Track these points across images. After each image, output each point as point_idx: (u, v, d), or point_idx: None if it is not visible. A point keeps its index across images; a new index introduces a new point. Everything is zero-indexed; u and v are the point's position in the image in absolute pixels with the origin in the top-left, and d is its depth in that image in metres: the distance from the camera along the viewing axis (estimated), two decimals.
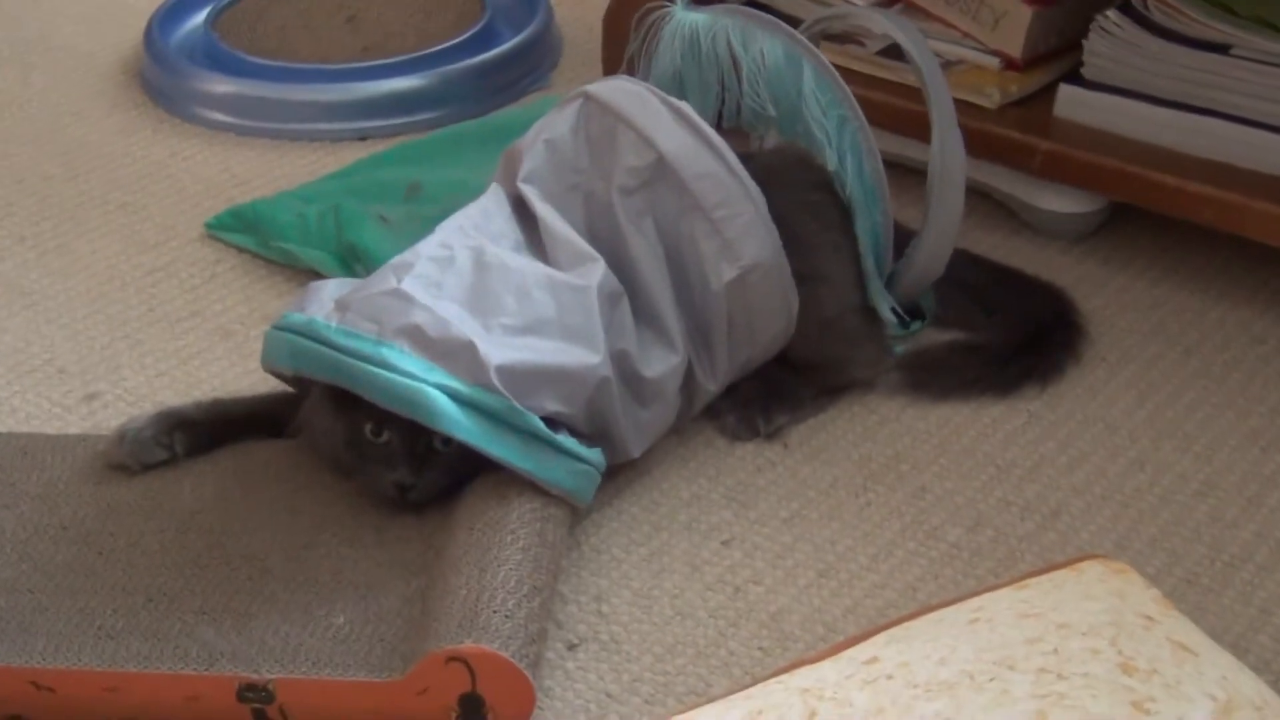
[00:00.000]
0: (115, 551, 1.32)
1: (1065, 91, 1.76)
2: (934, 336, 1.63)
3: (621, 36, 1.88)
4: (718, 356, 1.46)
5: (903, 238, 1.57)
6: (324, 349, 1.30)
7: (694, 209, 1.43)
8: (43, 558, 1.31)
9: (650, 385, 1.41)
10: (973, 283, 1.65)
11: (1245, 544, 1.38)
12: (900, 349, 1.59)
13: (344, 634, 1.23)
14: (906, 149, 1.72)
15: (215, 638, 1.22)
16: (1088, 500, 1.43)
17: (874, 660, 1.13)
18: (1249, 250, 1.69)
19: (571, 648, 1.29)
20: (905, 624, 1.18)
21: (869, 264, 1.53)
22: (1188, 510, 1.42)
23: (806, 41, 1.52)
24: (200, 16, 2.23)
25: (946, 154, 1.53)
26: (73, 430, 1.52)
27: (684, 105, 1.46)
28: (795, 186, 1.52)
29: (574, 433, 1.35)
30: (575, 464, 1.33)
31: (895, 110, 1.74)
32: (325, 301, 1.35)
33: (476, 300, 1.34)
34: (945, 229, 1.55)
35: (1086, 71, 1.76)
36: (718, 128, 1.50)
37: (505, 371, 1.30)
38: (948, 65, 1.81)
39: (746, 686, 1.10)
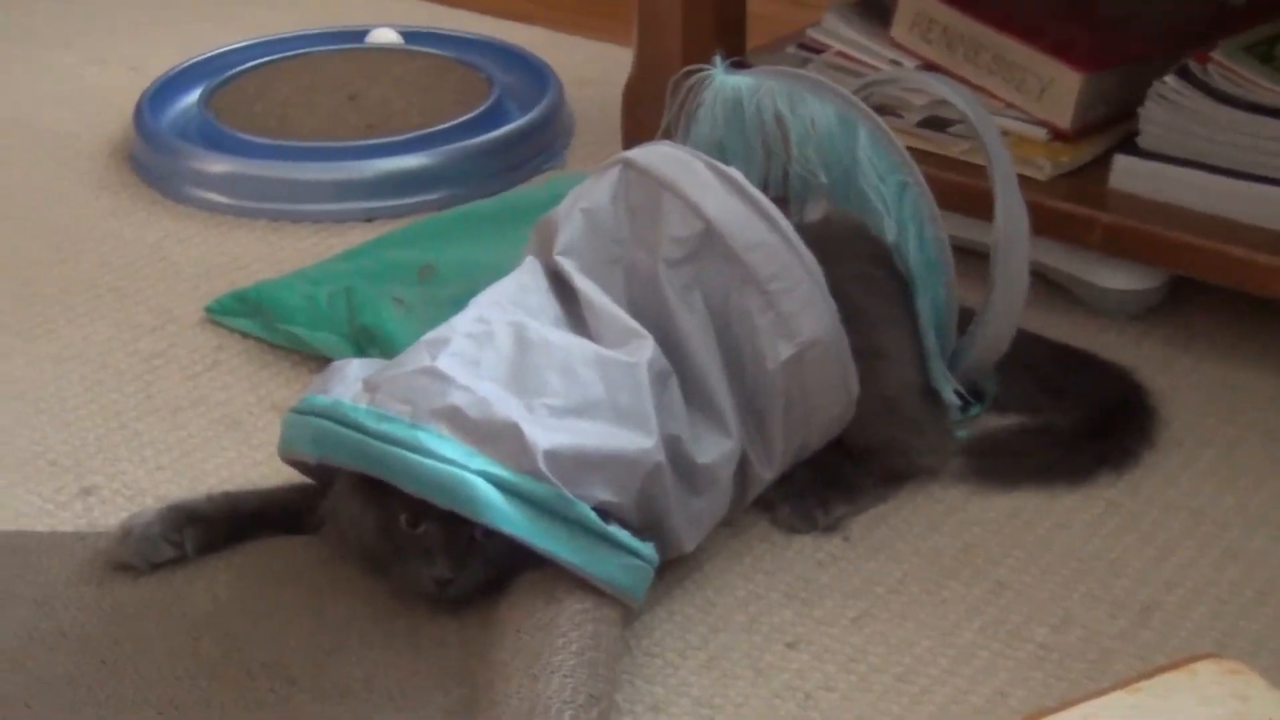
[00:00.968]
0: (120, 661, 1.19)
1: (1121, 162, 1.67)
2: (995, 421, 1.52)
3: (643, 108, 1.79)
4: (773, 441, 1.35)
5: (959, 318, 1.46)
6: (352, 433, 1.18)
7: (746, 282, 1.32)
8: (39, 668, 1.19)
9: (703, 472, 1.29)
10: (1034, 363, 1.54)
11: None
12: (962, 433, 1.48)
13: None
14: (950, 226, 1.61)
15: None
16: (1181, 595, 1.32)
17: None
18: None
19: None
20: None
21: (930, 341, 1.42)
22: None
23: (860, 103, 1.41)
24: (192, 96, 2.13)
25: (1010, 220, 1.43)
26: (67, 528, 1.39)
27: (733, 171, 1.36)
28: (851, 259, 1.41)
29: (623, 525, 1.23)
30: (629, 559, 1.21)
31: (939, 184, 1.62)
32: (352, 382, 1.23)
33: (518, 379, 1.23)
34: (1011, 301, 1.44)
35: (1143, 141, 1.66)
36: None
37: (553, 457, 1.18)
38: None
39: None
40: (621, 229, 1.36)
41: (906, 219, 1.40)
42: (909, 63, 1.77)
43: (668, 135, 1.51)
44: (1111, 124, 1.73)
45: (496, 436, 1.17)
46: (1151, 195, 1.65)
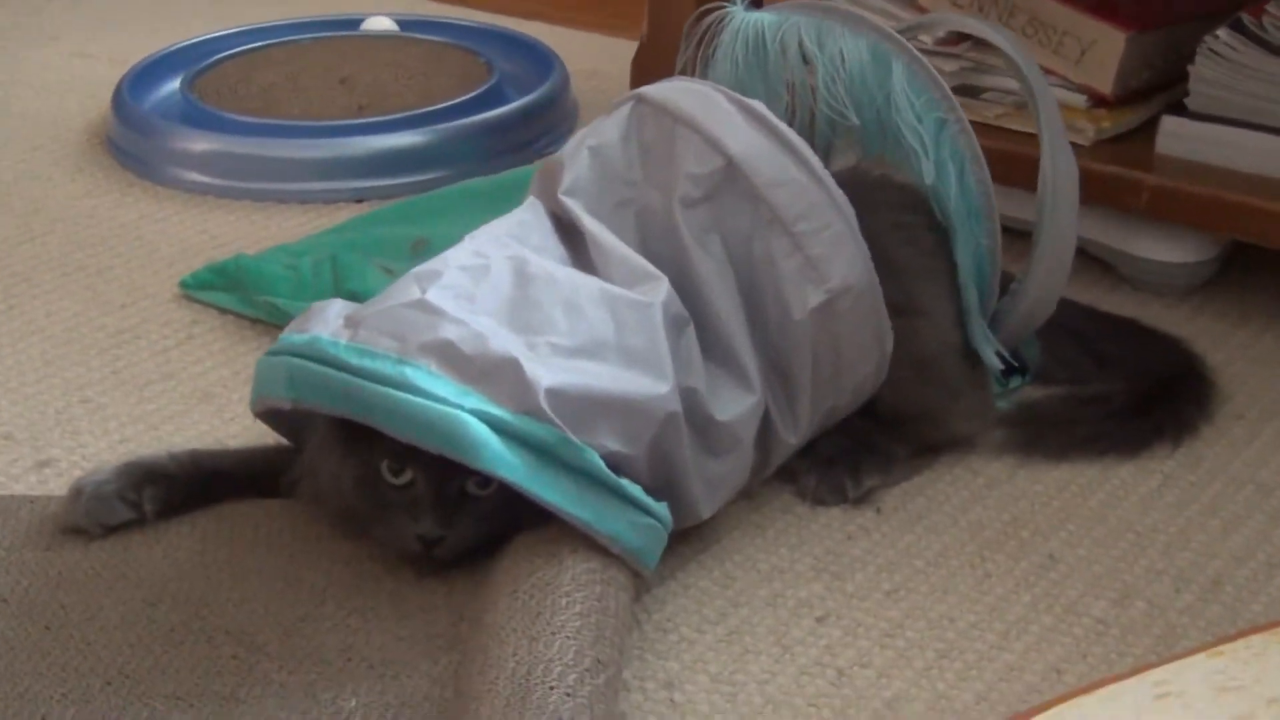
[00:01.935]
0: (66, 627, 1.06)
1: (1169, 124, 1.55)
2: (1038, 392, 1.39)
3: (654, 76, 1.67)
4: (799, 402, 1.21)
5: (1000, 284, 1.34)
6: (331, 371, 1.05)
7: (770, 222, 1.19)
8: None
9: (722, 431, 1.16)
10: (1080, 330, 1.41)
11: None
12: (1002, 404, 1.35)
13: None
14: None
15: None
16: (1253, 569, 1.19)
17: None
18: None
19: None
20: (1074, 701, 0.95)
21: (971, 297, 1.29)
22: None
23: (895, 34, 1.29)
24: (174, 83, 2.01)
25: (1058, 169, 1.30)
26: None
27: (757, 103, 1.23)
28: (884, 207, 1.28)
29: (634, 483, 1.10)
30: (640, 516, 1.08)
31: None
32: (332, 319, 1.10)
33: (518, 316, 1.10)
34: (1058, 257, 1.31)
35: (1192, 102, 1.54)
36: None
37: (556, 396, 1.05)
38: (1024, 106, 1.59)
39: None
40: (633, 170, 1.23)
41: (946, 160, 1.27)
42: None
43: None
44: (1154, 91, 1.62)
45: (493, 373, 1.04)
46: (1201, 158, 1.53)
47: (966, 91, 1.61)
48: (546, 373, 1.05)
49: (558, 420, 1.04)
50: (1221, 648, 0.98)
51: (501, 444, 1.02)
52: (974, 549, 1.21)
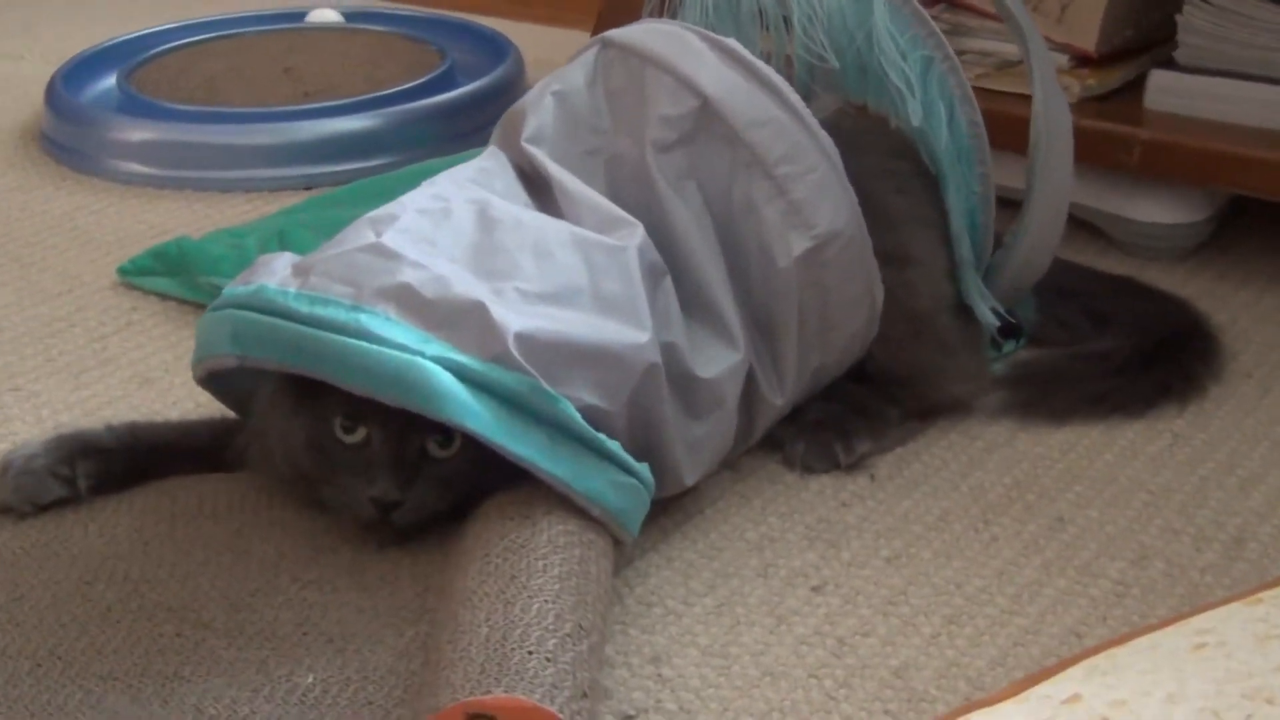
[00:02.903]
0: None
1: (1157, 78, 1.48)
2: (1033, 353, 1.31)
3: None
4: (785, 359, 1.13)
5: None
6: (279, 322, 0.96)
7: (750, 165, 1.11)
8: None
9: (705, 389, 1.07)
10: (1077, 288, 1.33)
11: None
12: (997, 367, 1.27)
13: (314, 697, 0.88)
14: None
15: (130, 708, 0.86)
16: (1277, 525, 1.11)
17: (1075, 699, 0.83)
18: None
19: None
20: (1108, 652, 0.86)
21: (965, 248, 1.21)
22: None
23: None
24: (111, 78, 1.92)
25: (1051, 113, 1.23)
26: None
27: (731, 41, 1.15)
28: (871, 151, 1.20)
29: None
30: (620, 475, 0.99)
31: None
32: (279, 269, 1.01)
33: (482, 261, 1.01)
34: (1053, 206, 1.24)
35: (1181, 55, 1.48)
36: None
37: (526, 341, 0.96)
38: (1005, 67, 1.53)
39: None
40: (601, 117, 1.15)
41: (934, 99, 1.19)
42: None
43: None
44: (1139, 51, 1.55)
45: (457, 319, 0.95)
46: (1191, 112, 1.46)
47: None
48: (516, 318, 0.96)
49: (528, 367, 0.94)
50: (1261, 594, 0.89)
51: (468, 393, 0.93)
52: (977, 513, 1.13)
